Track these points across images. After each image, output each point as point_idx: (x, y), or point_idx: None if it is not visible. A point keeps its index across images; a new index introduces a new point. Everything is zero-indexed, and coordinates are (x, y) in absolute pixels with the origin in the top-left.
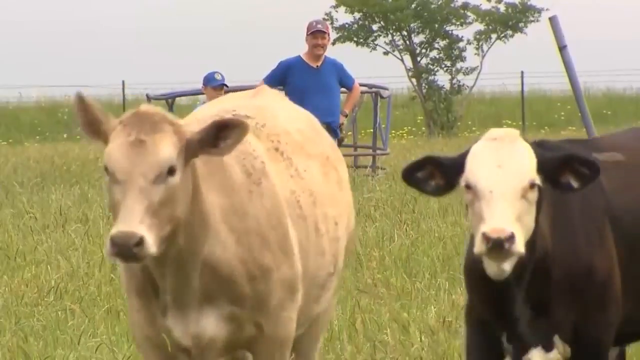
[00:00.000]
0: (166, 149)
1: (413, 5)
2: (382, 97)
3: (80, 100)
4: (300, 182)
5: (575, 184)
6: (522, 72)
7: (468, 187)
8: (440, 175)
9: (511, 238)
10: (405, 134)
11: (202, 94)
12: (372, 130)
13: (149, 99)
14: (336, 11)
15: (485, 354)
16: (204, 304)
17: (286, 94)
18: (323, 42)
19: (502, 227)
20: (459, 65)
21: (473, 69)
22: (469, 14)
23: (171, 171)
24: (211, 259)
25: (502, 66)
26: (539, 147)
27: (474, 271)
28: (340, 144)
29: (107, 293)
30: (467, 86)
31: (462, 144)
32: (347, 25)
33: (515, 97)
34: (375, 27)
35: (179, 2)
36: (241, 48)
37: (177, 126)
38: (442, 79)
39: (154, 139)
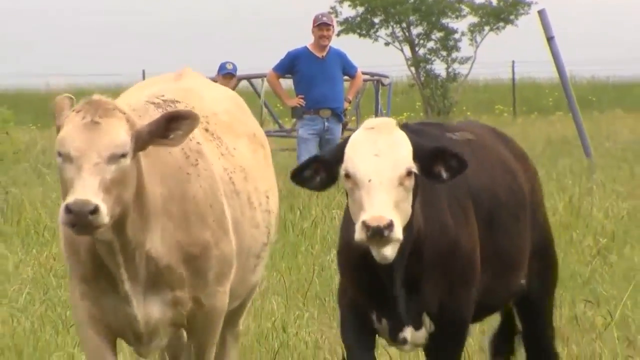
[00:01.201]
0: (120, 132)
1: (412, 0)
2: (383, 84)
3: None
4: (231, 160)
5: (444, 175)
6: (512, 62)
7: (347, 175)
8: (323, 169)
9: (390, 226)
10: (404, 119)
11: (215, 81)
12: (373, 115)
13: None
14: (341, 5)
15: (360, 334)
16: (149, 291)
17: (294, 82)
18: (328, 33)
19: (381, 215)
20: (454, 55)
21: (467, 59)
22: (463, 7)
23: (123, 154)
24: (153, 249)
25: (494, 56)
26: (404, 129)
27: (348, 255)
28: (344, 128)
29: None
30: (462, 74)
31: None
32: (350, 19)
33: (506, 84)
34: (376, 20)
35: None
36: (252, 38)
37: (128, 115)
38: (439, 67)
39: (108, 122)
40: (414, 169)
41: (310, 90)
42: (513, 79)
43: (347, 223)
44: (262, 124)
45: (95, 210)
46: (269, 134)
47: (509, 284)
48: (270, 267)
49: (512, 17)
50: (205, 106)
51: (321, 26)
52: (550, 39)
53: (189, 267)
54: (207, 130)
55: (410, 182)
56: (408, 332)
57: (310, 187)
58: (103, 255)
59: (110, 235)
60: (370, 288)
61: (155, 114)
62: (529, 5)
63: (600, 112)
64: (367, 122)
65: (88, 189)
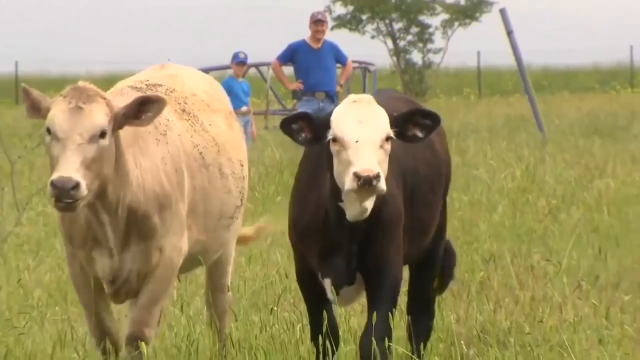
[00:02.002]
0: (100, 115)
1: (394, 0)
2: (369, 71)
3: (25, 91)
4: (204, 135)
5: (420, 134)
6: (478, 52)
7: (334, 140)
8: (309, 130)
9: (378, 176)
10: None
11: (230, 68)
12: None
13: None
14: (334, 5)
15: (314, 294)
16: (126, 245)
17: (294, 69)
18: (323, 28)
19: (370, 167)
20: (429, 46)
21: (440, 49)
22: (436, 6)
23: (102, 134)
24: (132, 200)
25: (462, 47)
26: None
27: (303, 224)
28: None
29: None
30: (436, 63)
31: (432, 107)
32: (342, 16)
33: (473, 71)
34: (364, 17)
35: None
36: (253, 32)
37: (108, 100)
38: (416, 57)
39: (90, 107)
40: (392, 134)
41: (308, 76)
42: (478, 66)
43: (299, 196)
44: (267, 105)
45: (75, 186)
46: (273, 112)
47: (419, 248)
48: (275, 224)
49: (477, 14)
50: (185, 89)
51: (317, 22)
52: (509, 33)
53: (159, 216)
54: (184, 110)
55: (388, 146)
56: (346, 288)
57: (295, 139)
58: (90, 218)
59: (92, 201)
60: (321, 252)
61: (131, 95)
62: (492, 4)
63: (551, 94)
64: (349, 97)
65: (70, 167)
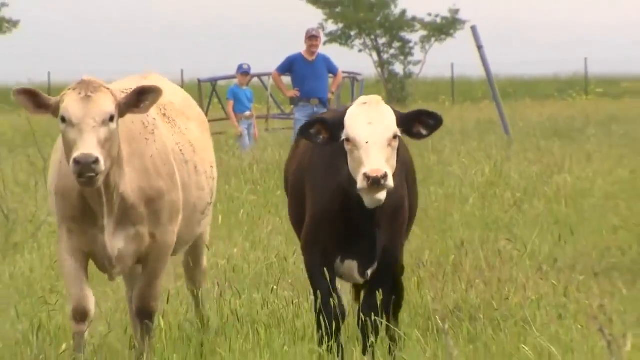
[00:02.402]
0: (108, 102)
1: (378, 19)
2: (357, 80)
3: (27, 92)
4: (182, 137)
5: (424, 132)
6: (452, 64)
7: (348, 140)
8: (325, 131)
9: (385, 176)
10: None
11: (235, 77)
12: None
13: (199, 82)
14: (326, 22)
15: (325, 271)
16: (118, 226)
17: (292, 79)
18: (317, 43)
19: (378, 168)
20: (409, 59)
21: (419, 62)
22: (416, 24)
23: (111, 119)
24: (125, 191)
25: (439, 60)
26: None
27: (324, 210)
28: None
29: None
30: (415, 73)
31: None
32: (333, 32)
33: (447, 81)
34: (352, 33)
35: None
36: (258, 44)
37: (112, 90)
38: (398, 68)
39: (99, 95)
40: (398, 133)
41: (303, 85)
42: (452, 77)
43: (320, 184)
44: (268, 110)
45: (96, 161)
46: (273, 116)
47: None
48: (274, 213)
49: (451, 31)
50: (164, 97)
51: (311, 38)
52: (479, 48)
53: (148, 207)
54: (164, 114)
55: (395, 143)
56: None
57: (315, 142)
58: (91, 197)
59: (100, 182)
60: (346, 232)
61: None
62: (464, 22)
63: (516, 101)
64: (360, 99)
65: (89, 145)
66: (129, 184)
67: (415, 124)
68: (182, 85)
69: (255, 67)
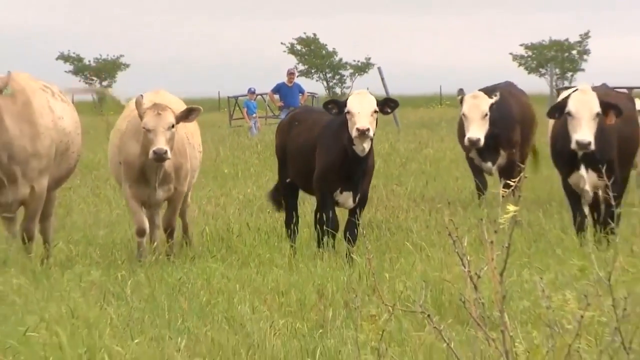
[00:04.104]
0: (171, 117)
1: (327, 63)
2: (315, 97)
3: (138, 101)
4: (186, 129)
5: (389, 110)
6: (367, 87)
7: (348, 112)
8: (336, 108)
9: (369, 129)
10: None
11: (247, 95)
12: None
13: (228, 98)
14: (298, 64)
15: (332, 205)
16: (159, 186)
17: (279, 96)
18: (293, 76)
19: (365, 124)
20: (344, 85)
21: (349, 87)
22: (347, 65)
23: (172, 127)
24: (166, 166)
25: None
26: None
27: (330, 161)
28: None
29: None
30: (347, 93)
31: None
32: (301, 70)
33: None
34: (313, 70)
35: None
36: (259, 75)
37: (172, 109)
38: (338, 90)
39: (165, 113)
40: (377, 109)
41: (286, 99)
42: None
43: (327, 145)
44: (266, 113)
45: (166, 152)
46: (268, 117)
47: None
48: (270, 170)
49: (367, 69)
50: (172, 107)
51: (290, 74)
52: (382, 79)
53: (175, 174)
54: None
55: (375, 115)
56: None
57: (330, 112)
58: (150, 170)
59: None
60: (341, 172)
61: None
62: (373, 65)
63: (402, 108)
64: (356, 91)
65: (161, 143)
66: (168, 161)
67: (385, 105)
68: (219, 100)
69: (258, 89)
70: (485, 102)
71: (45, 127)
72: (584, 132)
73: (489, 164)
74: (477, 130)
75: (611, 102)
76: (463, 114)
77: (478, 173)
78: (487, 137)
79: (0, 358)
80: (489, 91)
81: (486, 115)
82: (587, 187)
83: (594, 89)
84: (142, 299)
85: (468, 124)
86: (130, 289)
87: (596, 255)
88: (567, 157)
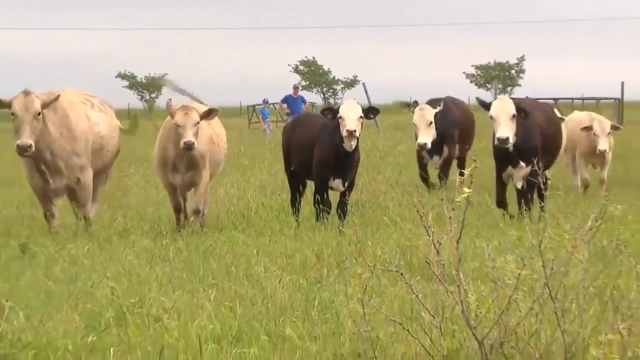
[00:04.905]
0: (196, 116)
1: (323, 80)
2: (314, 105)
3: (169, 104)
4: (213, 130)
5: (372, 116)
6: (354, 98)
7: (340, 117)
8: (331, 113)
9: (356, 131)
10: None
11: (262, 104)
12: None
13: (247, 106)
14: (301, 81)
15: (327, 189)
16: (186, 172)
17: (287, 105)
18: (297, 90)
19: (353, 127)
20: (337, 97)
21: (340, 98)
22: (339, 82)
23: (197, 123)
24: (192, 155)
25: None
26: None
27: (326, 154)
28: None
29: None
30: (339, 103)
31: None
32: (304, 85)
33: None
34: (312, 85)
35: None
36: (270, 88)
37: (197, 109)
38: (332, 101)
39: (191, 112)
40: (362, 115)
41: (292, 108)
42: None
43: (323, 143)
44: (276, 118)
45: (194, 144)
46: (278, 121)
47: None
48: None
49: (355, 84)
50: (200, 110)
51: (295, 88)
52: (366, 92)
53: (202, 162)
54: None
55: (361, 120)
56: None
57: (326, 117)
58: (179, 159)
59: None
60: (334, 163)
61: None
62: (359, 81)
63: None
64: (346, 101)
65: (189, 136)
66: (195, 152)
67: (368, 112)
68: (240, 108)
69: (271, 99)
70: (430, 113)
71: (81, 131)
72: (502, 131)
73: (436, 157)
74: (425, 137)
75: (521, 106)
76: (413, 123)
77: (422, 167)
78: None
79: (73, 306)
80: (435, 102)
81: (431, 123)
82: (517, 177)
83: (521, 99)
84: (181, 261)
85: (417, 131)
86: (172, 253)
87: (530, 228)
88: (500, 152)
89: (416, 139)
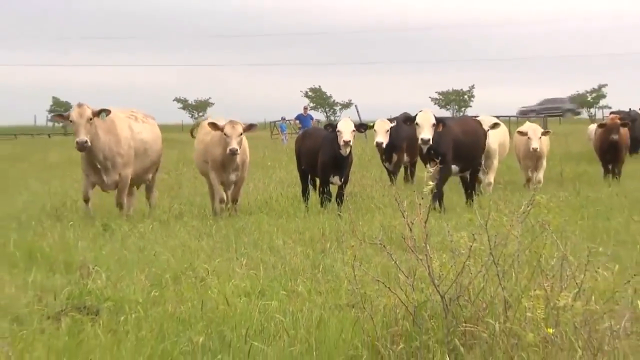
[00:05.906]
0: (240, 128)
1: (326, 102)
2: (319, 122)
3: (212, 124)
4: (244, 143)
5: (363, 130)
6: (349, 117)
7: (338, 131)
8: (331, 128)
9: (350, 141)
10: None
11: (280, 120)
12: None
13: (270, 122)
14: (310, 103)
15: (328, 184)
16: (231, 173)
17: (299, 121)
18: (306, 110)
19: (348, 138)
20: (336, 115)
21: (339, 116)
22: (338, 104)
23: (241, 134)
24: (239, 159)
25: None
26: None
27: (327, 158)
28: None
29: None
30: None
31: None
32: (312, 107)
33: None
34: (318, 107)
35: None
36: (284, 109)
37: (241, 123)
38: (333, 119)
39: (237, 125)
40: (354, 129)
41: (303, 123)
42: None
43: (324, 149)
44: (291, 131)
45: (237, 150)
46: (293, 134)
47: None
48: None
49: (350, 106)
50: (243, 124)
51: (305, 108)
52: (357, 109)
53: (242, 165)
54: (240, 134)
55: (354, 133)
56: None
57: (328, 131)
58: (229, 163)
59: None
60: (333, 164)
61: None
62: (352, 104)
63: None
64: (343, 119)
65: (236, 144)
66: (238, 157)
67: (360, 127)
68: (265, 123)
69: (287, 117)
70: (387, 125)
71: (125, 137)
72: (424, 133)
73: (387, 163)
74: (382, 138)
75: (440, 118)
76: (374, 129)
77: (384, 164)
78: (387, 147)
79: (141, 269)
80: (393, 119)
81: (387, 131)
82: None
83: (454, 117)
84: (221, 236)
85: (376, 135)
86: (214, 230)
87: (479, 212)
88: (421, 151)
89: (382, 152)
